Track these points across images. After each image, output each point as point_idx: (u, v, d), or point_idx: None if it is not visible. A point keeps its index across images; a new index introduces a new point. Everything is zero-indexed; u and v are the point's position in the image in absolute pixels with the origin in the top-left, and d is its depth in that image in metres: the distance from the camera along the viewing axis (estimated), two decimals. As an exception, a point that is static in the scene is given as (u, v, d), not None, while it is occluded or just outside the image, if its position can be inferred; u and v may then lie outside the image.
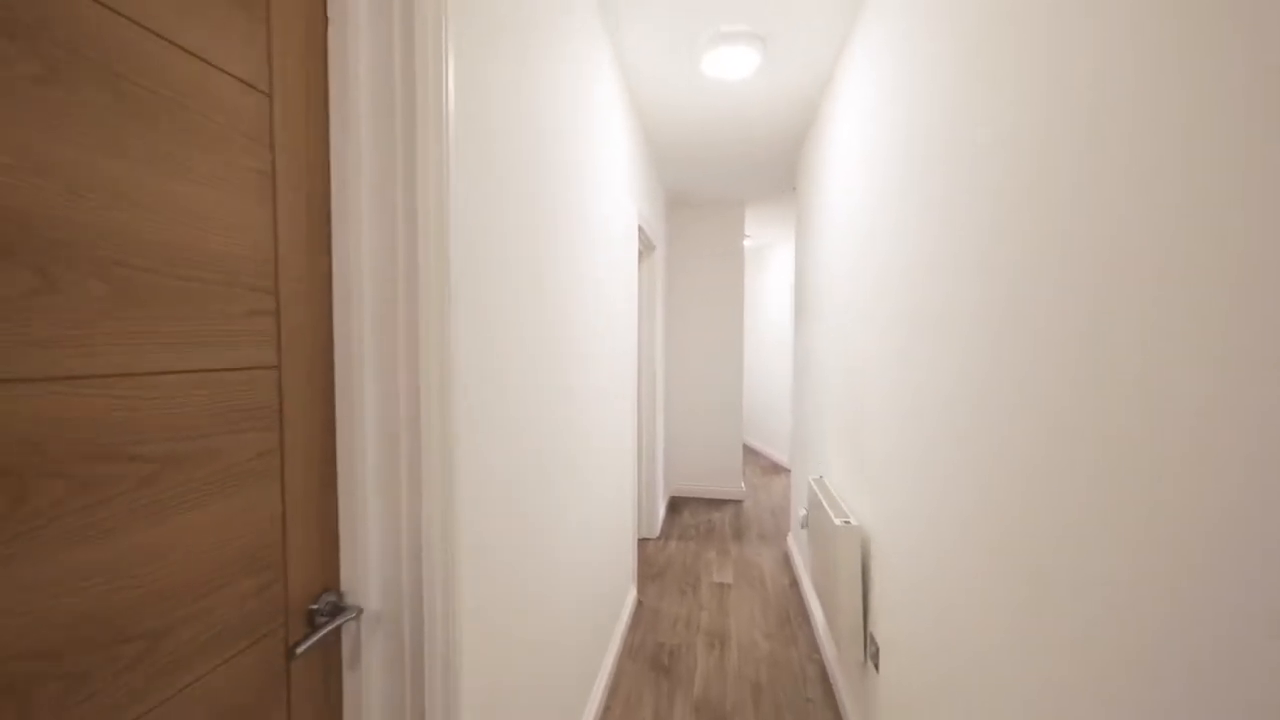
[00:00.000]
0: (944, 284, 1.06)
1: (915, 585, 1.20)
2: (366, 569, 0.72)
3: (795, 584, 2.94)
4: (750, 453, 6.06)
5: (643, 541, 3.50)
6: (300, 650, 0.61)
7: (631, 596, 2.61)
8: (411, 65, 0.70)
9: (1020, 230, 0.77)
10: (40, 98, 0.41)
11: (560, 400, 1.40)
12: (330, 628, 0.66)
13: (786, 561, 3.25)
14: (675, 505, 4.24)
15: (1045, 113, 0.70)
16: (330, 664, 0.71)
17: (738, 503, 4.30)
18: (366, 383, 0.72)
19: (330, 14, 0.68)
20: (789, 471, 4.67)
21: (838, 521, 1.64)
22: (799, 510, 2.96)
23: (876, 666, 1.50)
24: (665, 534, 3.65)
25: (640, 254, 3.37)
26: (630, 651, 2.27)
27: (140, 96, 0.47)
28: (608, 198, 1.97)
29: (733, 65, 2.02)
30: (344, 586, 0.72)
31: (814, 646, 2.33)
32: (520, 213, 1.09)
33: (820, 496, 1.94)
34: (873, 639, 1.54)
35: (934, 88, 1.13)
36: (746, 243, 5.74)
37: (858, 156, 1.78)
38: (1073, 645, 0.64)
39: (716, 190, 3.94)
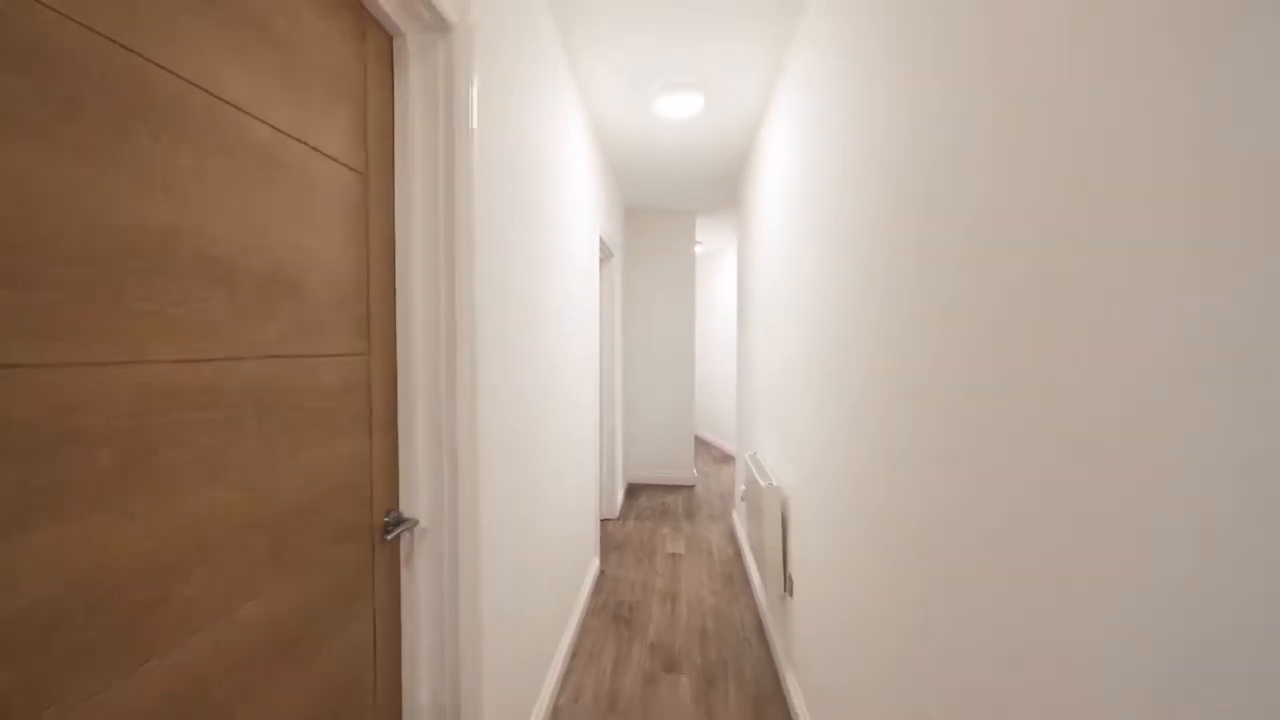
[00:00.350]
0: (839, 299, 1.45)
1: (818, 531, 1.60)
2: (418, 496, 1.04)
3: (739, 554, 3.35)
4: (703, 444, 6.50)
5: (604, 522, 3.84)
6: (389, 538, 0.92)
7: (595, 566, 2.94)
8: (452, 153, 1.02)
9: (879, 261, 1.16)
10: (264, 197, 0.71)
11: (539, 394, 1.73)
12: (403, 529, 0.97)
13: (732, 536, 3.66)
14: (633, 491, 4.60)
15: (891, 172, 1.10)
16: (393, 560, 1.02)
17: (690, 488, 4.70)
18: (418, 366, 1.03)
19: (395, 114, 1.00)
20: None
21: (764, 484, 2.04)
22: (741, 487, 3.38)
23: (792, 595, 1.90)
24: (624, 515, 4.00)
25: (600, 261, 3.71)
26: (594, 609, 2.61)
27: (300, 187, 0.78)
28: (575, 214, 2.30)
29: (680, 107, 2.39)
30: (402, 508, 1.03)
31: (752, 601, 2.73)
32: (512, 239, 1.42)
33: (753, 469, 2.34)
34: (790, 576, 1.94)
35: (826, 137, 1.53)
36: (698, 249, 6.17)
37: (781, 185, 2.19)
38: (907, 567, 1.03)
39: (670, 201, 4.33)
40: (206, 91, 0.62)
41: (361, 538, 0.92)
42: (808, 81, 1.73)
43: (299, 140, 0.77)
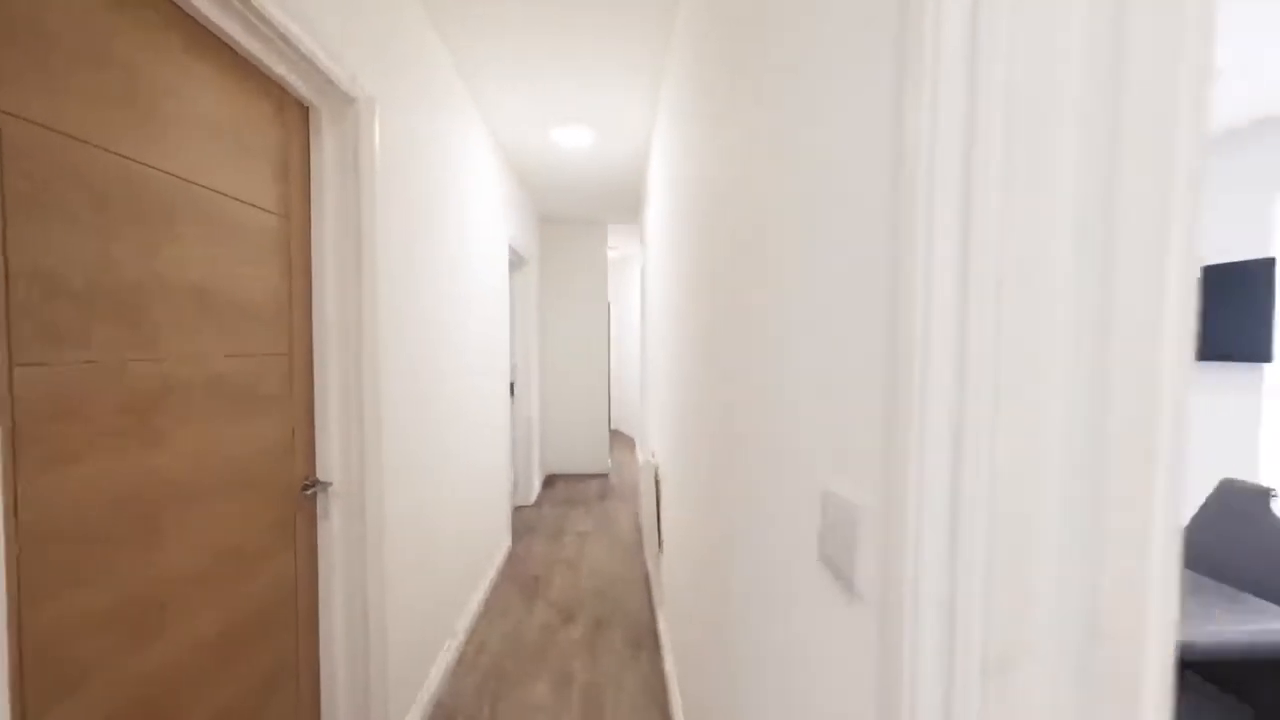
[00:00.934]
0: (682, 321, 1.87)
1: (676, 493, 2.02)
2: (331, 466, 1.33)
3: (639, 530, 3.77)
4: (620, 436, 6.91)
5: (521, 508, 4.14)
6: (307, 493, 1.22)
7: (506, 545, 3.25)
8: (358, 196, 1.33)
9: (691, 303, 1.58)
10: (216, 242, 1.00)
11: (444, 389, 2.03)
12: (317, 488, 1.27)
13: (636, 516, 4.08)
14: (551, 481, 4.92)
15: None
16: (312, 513, 1.31)
17: (604, 476, 5.09)
18: (331, 364, 1.32)
19: (312, 168, 1.29)
20: (649, 449, 5.58)
21: (643, 460, 2.44)
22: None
23: (663, 550, 2.32)
24: (540, 502, 4.32)
25: (513, 267, 4.00)
26: (504, 579, 2.92)
27: (253, 233, 1.06)
28: (481, 228, 2.60)
29: (574, 139, 2.75)
30: (319, 474, 1.32)
31: (644, 565, 3.15)
32: (416, 255, 1.72)
33: (642, 452, 2.75)
34: (662, 535, 2.36)
35: (673, 193, 1.95)
36: (612, 254, 6.56)
37: (658, 216, 2.61)
38: (717, 518, 1.45)
39: (582, 212, 4.68)
40: (180, 178, 0.90)
41: (285, 492, 1.21)
42: (662, 146, 2.14)
43: (237, 199, 1.05)
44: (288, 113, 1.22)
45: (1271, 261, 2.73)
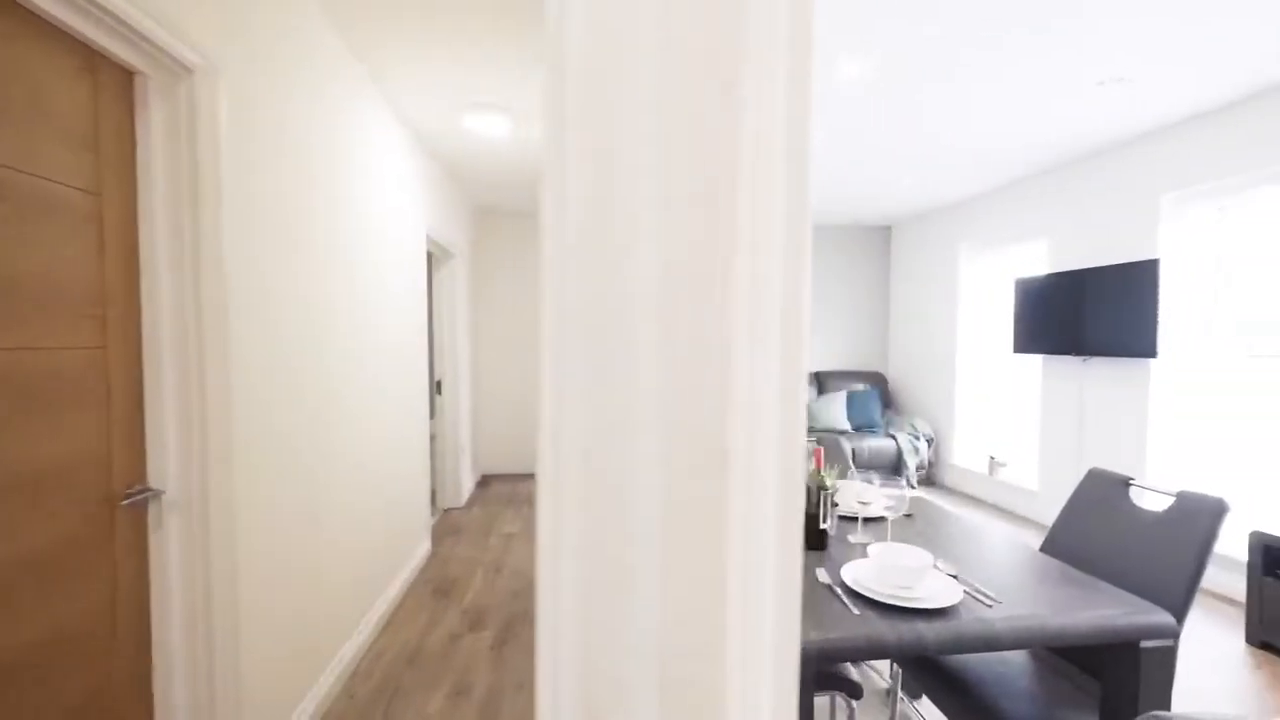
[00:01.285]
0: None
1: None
2: (166, 472, 1.21)
3: (572, 528, 3.71)
4: (567, 435, 6.83)
5: (450, 510, 4.01)
6: (124, 504, 1.10)
7: (424, 548, 3.13)
8: (196, 176, 1.21)
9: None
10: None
11: (326, 387, 1.91)
12: (145, 496, 1.15)
13: (570, 514, 4.02)
14: (486, 481, 4.80)
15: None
16: (140, 525, 1.19)
17: (542, 474, 5.00)
18: (165, 359, 1.20)
19: (138, 141, 1.16)
20: (591, 447, 5.50)
21: (555, 459, 2.39)
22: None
23: (574, 550, 2.27)
24: (471, 503, 4.20)
25: (436, 260, 3.85)
26: (417, 584, 2.81)
27: (38, 209, 0.94)
28: (390, 214, 2.47)
29: (489, 127, 2.66)
30: (150, 481, 1.20)
31: (570, 565, 3.09)
32: (284, 242, 1.60)
33: (559, 448, 2.69)
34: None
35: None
36: (558, 249, 6.45)
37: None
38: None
39: (522, 205, 4.56)
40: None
41: (98, 501, 1.08)
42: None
43: (17, 170, 0.93)
44: (101, 76, 1.09)
45: (1155, 263, 2.91)
